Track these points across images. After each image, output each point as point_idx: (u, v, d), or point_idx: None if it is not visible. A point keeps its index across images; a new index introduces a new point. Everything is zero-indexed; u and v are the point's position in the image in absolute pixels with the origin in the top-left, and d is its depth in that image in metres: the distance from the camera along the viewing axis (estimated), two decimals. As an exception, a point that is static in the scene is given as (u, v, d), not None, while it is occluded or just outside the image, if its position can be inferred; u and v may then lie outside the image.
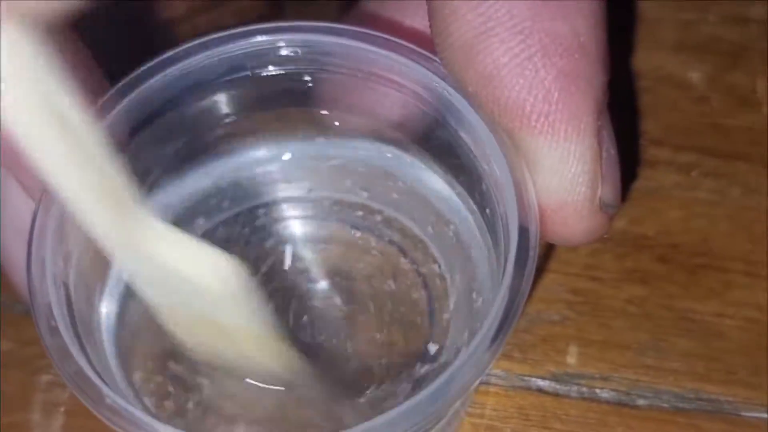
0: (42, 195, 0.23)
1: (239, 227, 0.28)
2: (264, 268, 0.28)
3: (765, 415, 0.28)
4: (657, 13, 0.34)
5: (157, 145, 0.26)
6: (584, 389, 0.29)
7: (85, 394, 0.21)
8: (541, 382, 0.29)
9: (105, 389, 0.21)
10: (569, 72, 0.22)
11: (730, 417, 0.28)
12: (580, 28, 0.22)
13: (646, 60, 0.33)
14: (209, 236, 0.28)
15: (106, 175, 0.19)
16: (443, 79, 0.24)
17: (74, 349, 0.22)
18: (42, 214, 0.23)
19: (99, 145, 0.19)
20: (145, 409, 0.25)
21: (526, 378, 0.29)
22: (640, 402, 0.28)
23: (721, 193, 0.31)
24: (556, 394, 0.29)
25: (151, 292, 0.22)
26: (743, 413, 0.28)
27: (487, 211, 0.25)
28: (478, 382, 0.22)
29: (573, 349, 0.29)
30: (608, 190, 0.23)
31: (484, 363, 0.21)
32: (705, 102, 0.33)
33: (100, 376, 0.22)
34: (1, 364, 0.29)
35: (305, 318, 0.28)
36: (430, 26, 0.23)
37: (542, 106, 0.22)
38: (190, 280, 0.21)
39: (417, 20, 0.26)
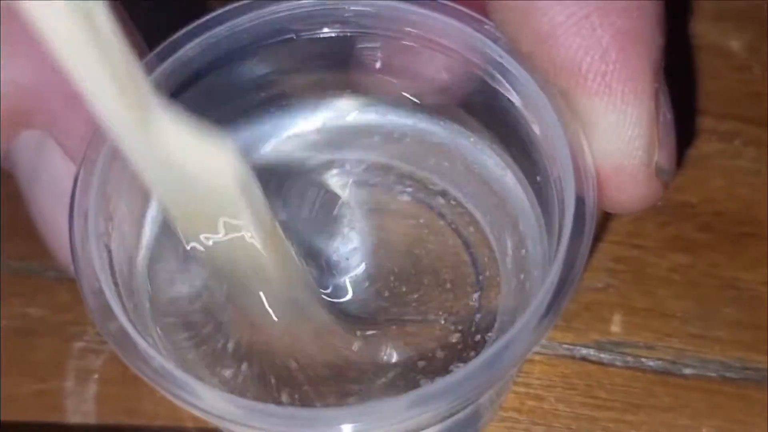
0: (84, 156, 0.22)
1: (281, 194, 0.28)
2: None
3: (813, 385, 0.28)
4: (698, -19, 0.33)
5: (197, 109, 0.25)
6: (629, 358, 0.28)
7: (129, 355, 0.21)
8: (585, 351, 0.28)
9: (151, 351, 0.21)
10: (627, 31, 0.21)
11: (778, 386, 0.28)
12: None
13: (687, 29, 0.33)
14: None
15: (128, 68, 0.18)
16: (494, 41, 0.23)
17: (118, 311, 0.21)
18: (84, 176, 0.22)
19: (119, 39, 0.18)
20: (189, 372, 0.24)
21: (569, 347, 0.28)
22: (687, 371, 0.28)
23: (763, 162, 0.31)
24: (600, 363, 0.28)
25: (161, 190, 0.21)
26: (791, 382, 0.28)
27: (538, 179, 0.24)
28: (530, 353, 0.21)
29: (617, 318, 0.29)
30: (664, 156, 0.22)
31: (538, 334, 0.21)
32: (746, 70, 0.32)
33: (144, 339, 0.21)
34: (34, 331, 0.29)
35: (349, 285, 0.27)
36: None
37: (599, 65, 0.21)
38: (196, 177, 0.20)
39: None
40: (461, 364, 0.25)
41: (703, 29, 0.33)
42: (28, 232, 0.25)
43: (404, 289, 0.27)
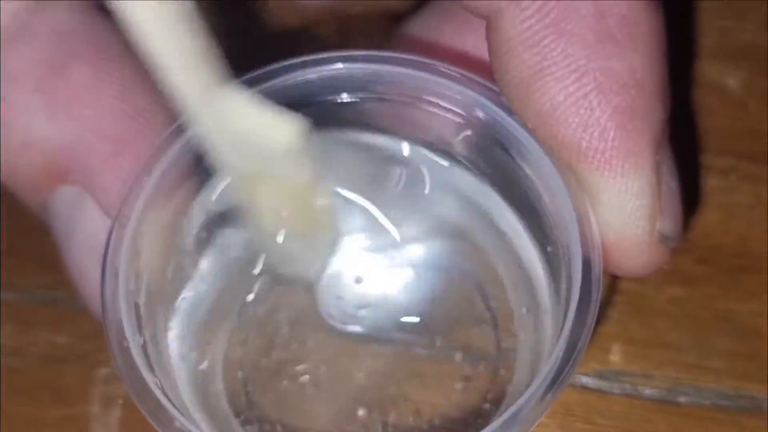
0: (118, 213, 0.23)
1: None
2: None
3: (804, 413, 0.29)
4: (695, 20, 0.34)
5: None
6: (627, 386, 0.29)
7: (152, 412, 0.22)
8: (585, 379, 0.30)
9: (174, 411, 0.22)
10: (625, 109, 0.22)
11: (769, 414, 0.29)
12: (637, 65, 0.22)
13: (684, 67, 0.34)
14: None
15: (193, 38, 0.20)
16: (508, 113, 0.24)
17: (143, 369, 0.22)
18: (117, 233, 0.23)
19: (188, 12, 0.20)
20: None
21: (570, 375, 0.30)
22: (682, 399, 0.29)
23: (758, 197, 0.32)
24: (600, 391, 0.29)
25: (220, 152, 0.23)
26: (783, 411, 0.29)
27: (549, 248, 0.25)
28: (538, 422, 0.22)
29: (616, 348, 0.30)
30: (668, 224, 0.23)
31: (543, 407, 0.22)
32: (742, 108, 0.33)
33: (167, 397, 0.22)
34: (61, 358, 0.30)
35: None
36: (490, 63, 0.23)
37: (598, 143, 0.22)
38: (258, 137, 0.22)
39: (468, 43, 0.26)
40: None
41: (699, 67, 0.34)
42: (55, 264, 0.26)
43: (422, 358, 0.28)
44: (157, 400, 0.22)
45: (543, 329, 0.26)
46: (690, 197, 0.32)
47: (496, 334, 0.28)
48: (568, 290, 0.23)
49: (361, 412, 0.27)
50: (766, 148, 0.33)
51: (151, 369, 0.23)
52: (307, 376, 0.28)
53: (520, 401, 0.21)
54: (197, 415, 0.25)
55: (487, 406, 0.27)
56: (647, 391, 0.29)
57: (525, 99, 0.23)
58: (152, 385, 0.22)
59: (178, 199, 0.25)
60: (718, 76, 0.34)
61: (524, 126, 0.24)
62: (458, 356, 0.28)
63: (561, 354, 0.22)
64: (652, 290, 0.31)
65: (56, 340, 0.30)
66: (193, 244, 0.27)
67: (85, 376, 0.30)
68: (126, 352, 0.22)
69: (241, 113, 0.22)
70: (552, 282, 0.26)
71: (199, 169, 0.25)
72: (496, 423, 0.21)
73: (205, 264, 0.27)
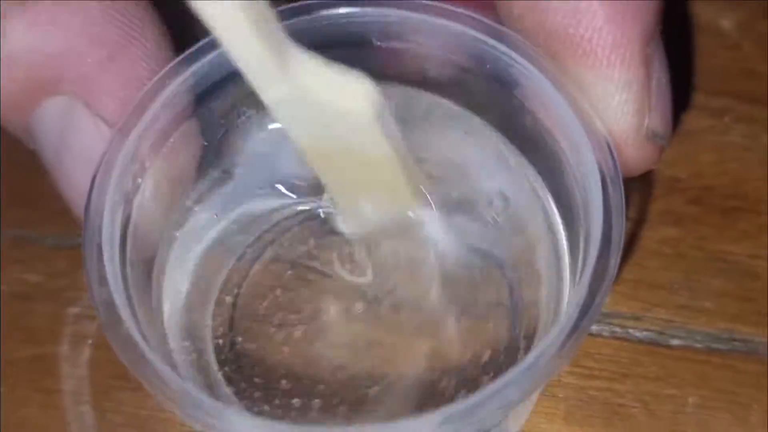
0: (124, 119, 0.22)
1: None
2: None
3: (800, 356, 0.28)
4: (689, -40, 0.34)
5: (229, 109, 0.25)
6: (617, 329, 0.28)
7: (110, 326, 0.21)
8: (573, 321, 0.29)
9: (134, 331, 0.21)
10: None
11: (764, 358, 0.28)
12: None
13: (679, 8, 0.33)
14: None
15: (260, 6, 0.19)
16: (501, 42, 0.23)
17: (112, 278, 0.21)
18: (119, 137, 0.22)
19: None
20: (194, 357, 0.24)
21: (558, 317, 0.29)
22: (674, 342, 0.28)
23: (753, 138, 0.31)
24: (588, 333, 0.28)
25: (293, 124, 0.22)
26: (778, 354, 0.28)
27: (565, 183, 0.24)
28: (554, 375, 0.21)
29: (605, 289, 0.29)
30: (657, 120, 0.22)
31: (562, 358, 0.21)
32: (737, 48, 0.32)
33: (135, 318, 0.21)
34: (31, 296, 0.29)
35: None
36: None
37: (585, 32, 0.21)
38: (331, 106, 0.21)
39: None
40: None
41: (695, 8, 0.33)
42: (27, 200, 0.26)
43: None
44: (119, 315, 0.21)
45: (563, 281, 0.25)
46: (683, 137, 0.31)
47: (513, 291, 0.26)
48: (587, 231, 0.22)
49: (363, 362, 0.26)
50: (761, 89, 0.32)
51: (125, 278, 0.22)
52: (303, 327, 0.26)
53: (533, 354, 0.20)
54: (176, 340, 0.24)
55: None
56: (637, 334, 0.28)
57: None
58: (117, 298, 0.21)
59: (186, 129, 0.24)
60: (714, 18, 0.33)
61: (517, 49, 0.22)
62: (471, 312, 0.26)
63: (580, 306, 0.21)
64: (643, 230, 0.30)
65: (27, 278, 0.29)
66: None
67: (56, 315, 0.29)
68: (99, 254, 0.21)
69: (316, 82, 0.20)
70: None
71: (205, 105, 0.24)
72: (510, 373, 0.20)
73: (221, 191, 0.26)
